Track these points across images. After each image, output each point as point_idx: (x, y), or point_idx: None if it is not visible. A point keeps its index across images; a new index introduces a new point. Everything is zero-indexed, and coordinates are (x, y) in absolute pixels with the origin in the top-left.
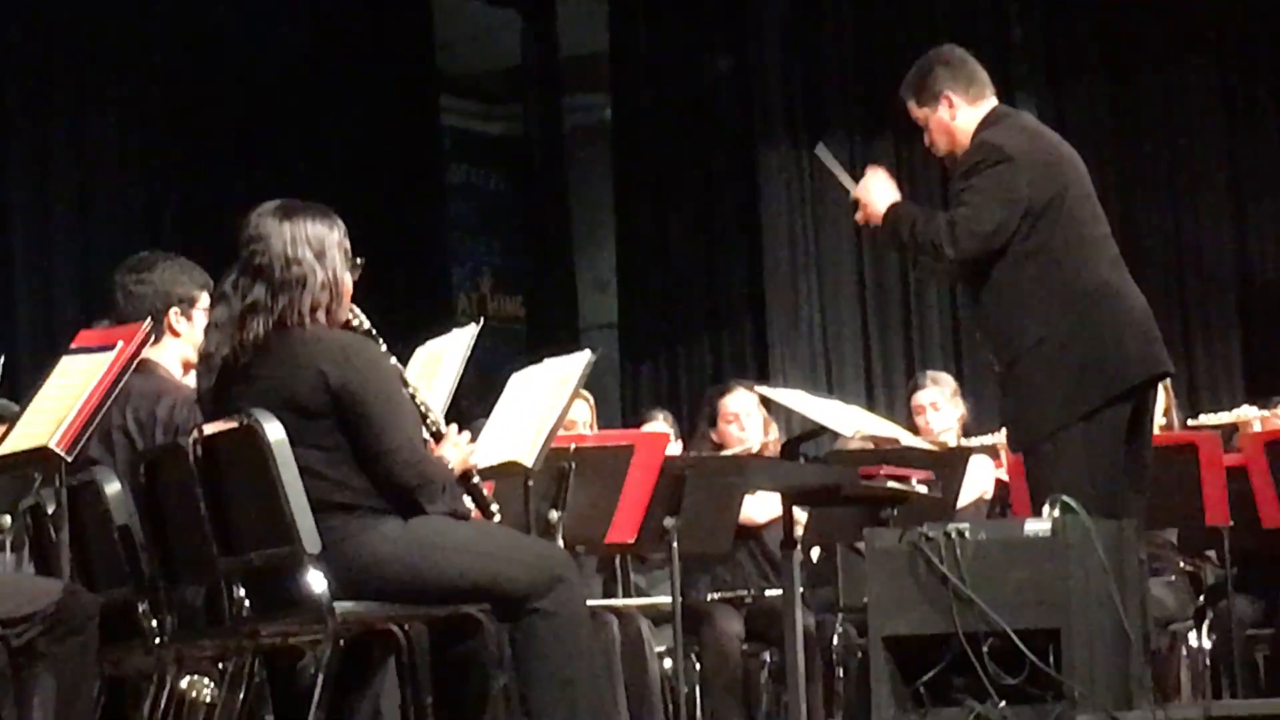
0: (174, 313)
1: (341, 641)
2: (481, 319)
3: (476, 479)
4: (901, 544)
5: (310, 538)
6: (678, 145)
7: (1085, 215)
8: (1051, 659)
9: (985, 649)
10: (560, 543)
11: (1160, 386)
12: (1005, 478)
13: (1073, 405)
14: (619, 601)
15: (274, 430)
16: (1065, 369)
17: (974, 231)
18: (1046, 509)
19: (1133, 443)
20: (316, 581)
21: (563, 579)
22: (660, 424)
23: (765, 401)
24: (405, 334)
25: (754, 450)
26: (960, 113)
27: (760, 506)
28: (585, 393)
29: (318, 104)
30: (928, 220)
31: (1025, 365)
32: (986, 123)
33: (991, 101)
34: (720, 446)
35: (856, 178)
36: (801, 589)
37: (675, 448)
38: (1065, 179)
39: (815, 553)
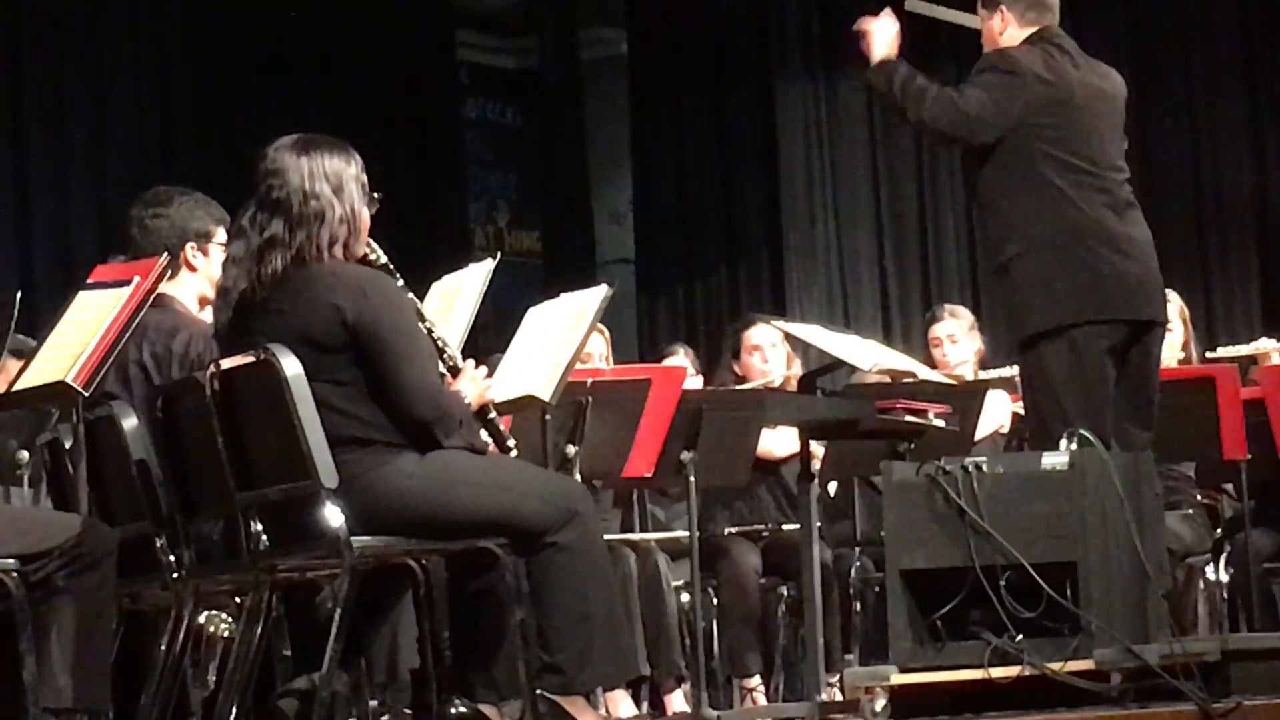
0: (190, 247)
1: (359, 576)
2: (498, 253)
3: (493, 414)
4: (919, 477)
5: (327, 472)
6: (694, 78)
7: (1090, 151)
8: (1068, 592)
9: (1002, 582)
10: (577, 477)
11: (1179, 319)
12: (1022, 411)
13: (1045, 317)
14: (636, 535)
15: (290, 365)
16: (1040, 284)
17: (952, 106)
18: (1064, 442)
19: (1124, 379)
20: (333, 516)
21: (579, 513)
22: (681, 359)
23: (787, 335)
24: (422, 268)
25: (776, 383)
26: (1009, 30)
27: (779, 441)
28: (601, 327)
29: (334, 38)
30: (916, 83)
31: (1006, 280)
32: (1025, 44)
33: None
34: (743, 379)
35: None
36: (819, 523)
37: (695, 382)
38: (1070, 110)
39: (833, 487)
